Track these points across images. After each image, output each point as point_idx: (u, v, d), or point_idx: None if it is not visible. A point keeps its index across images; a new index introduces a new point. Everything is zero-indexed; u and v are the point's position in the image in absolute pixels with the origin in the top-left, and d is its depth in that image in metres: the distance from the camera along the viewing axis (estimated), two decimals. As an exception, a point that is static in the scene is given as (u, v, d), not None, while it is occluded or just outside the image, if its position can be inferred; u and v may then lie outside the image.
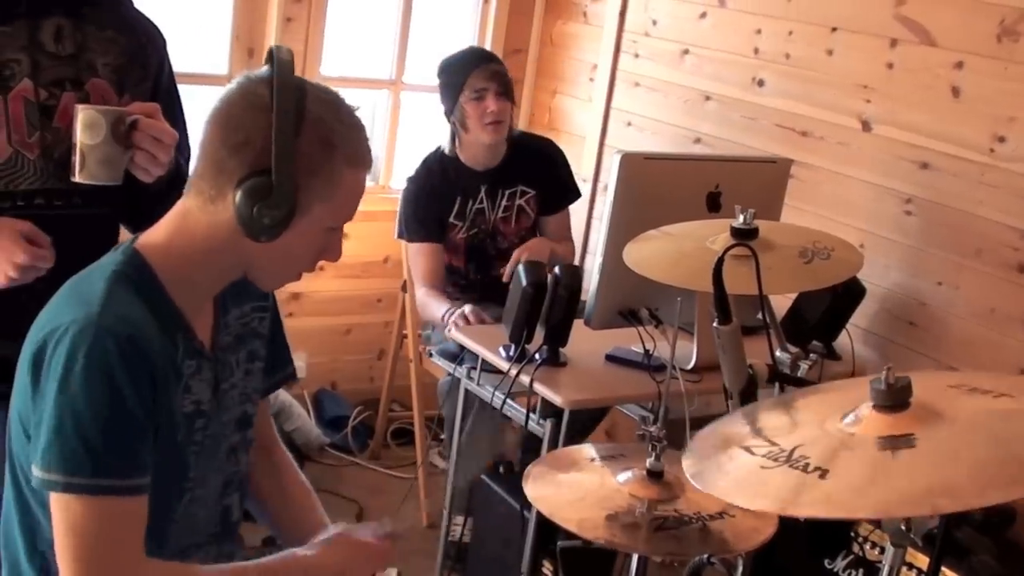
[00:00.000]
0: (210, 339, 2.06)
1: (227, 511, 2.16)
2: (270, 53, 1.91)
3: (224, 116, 1.91)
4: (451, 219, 4.34)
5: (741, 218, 2.47)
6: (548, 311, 3.36)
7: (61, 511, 1.82)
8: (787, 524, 2.09)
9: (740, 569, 2.39)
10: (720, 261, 2.21)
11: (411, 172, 4.45)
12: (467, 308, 3.98)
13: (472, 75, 4.25)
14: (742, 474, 1.66)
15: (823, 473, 1.55)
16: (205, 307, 2.05)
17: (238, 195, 1.88)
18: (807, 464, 1.57)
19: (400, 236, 4.43)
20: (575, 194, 4.56)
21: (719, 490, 1.65)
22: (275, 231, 1.90)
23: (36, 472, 1.83)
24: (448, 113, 4.34)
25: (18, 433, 1.93)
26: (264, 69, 1.92)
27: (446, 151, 4.39)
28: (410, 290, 4.50)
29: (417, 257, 4.36)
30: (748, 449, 1.69)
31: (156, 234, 1.99)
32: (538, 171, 4.45)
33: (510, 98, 4.30)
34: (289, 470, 2.37)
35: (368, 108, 5.10)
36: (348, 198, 1.98)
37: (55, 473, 1.80)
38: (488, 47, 5.25)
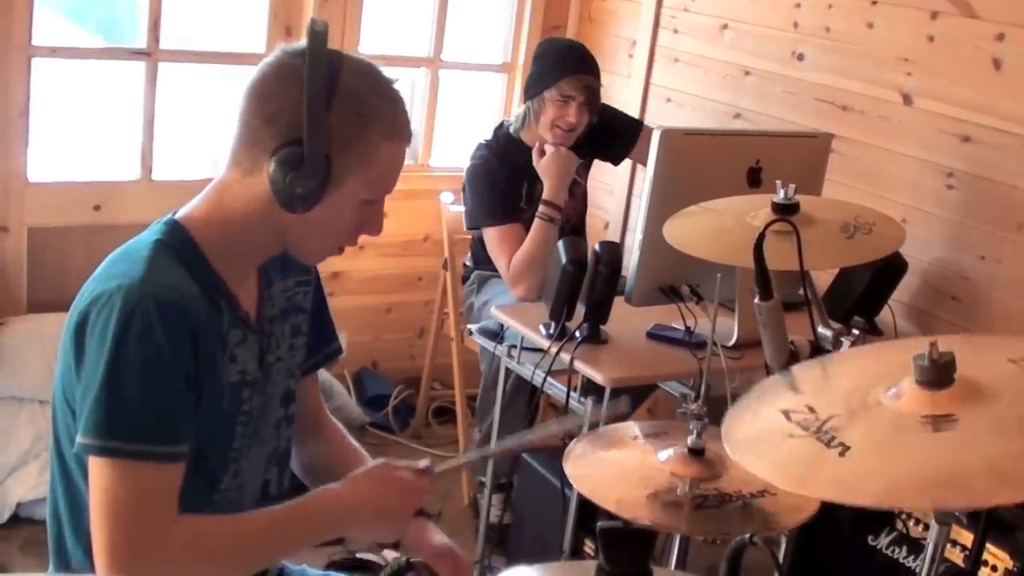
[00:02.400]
0: (255, 311, 2.06)
1: (266, 485, 2.16)
2: (308, 27, 1.90)
3: (259, 88, 1.92)
4: (521, 203, 4.30)
5: (782, 193, 2.44)
6: (588, 288, 3.34)
7: (96, 474, 1.82)
8: (830, 502, 2.06)
9: (783, 547, 2.37)
10: (761, 236, 2.18)
11: (473, 159, 4.35)
12: None
13: (566, 79, 4.16)
14: (767, 439, 1.64)
15: (844, 450, 1.52)
16: (248, 279, 2.05)
17: (271, 165, 1.88)
18: (832, 438, 1.54)
19: (474, 226, 4.35)
20: (637, 125, 4.54)
21: (737, 448, 1.63)
22: (308, 202, 1.90)
23: (78, 438, 1.83)
24: (528, 96, 4.27)
25: (63, 412, 1.94)
26: (301, 42, 1.91)
27: (511, 130, 4.33)
28: (509, 274, 4.23)
29: (502, 242, 4.23)
30: (786, 414, 1.66)
31: (196, 207, 1.99)
32: (598, 144, 4.40)
33: (592, 113, 4.26)
34: (341, 437, 2.37)
35: (407, 86, 5.07)
36: (385, 171, 1.97)
37: (92, 437, 1.81)
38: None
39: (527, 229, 4.20)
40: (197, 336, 1.87)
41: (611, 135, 4.38)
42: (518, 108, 4.37)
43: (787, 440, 1.57)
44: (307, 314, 2.22)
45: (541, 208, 4.16)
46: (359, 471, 2.08)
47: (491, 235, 4.26)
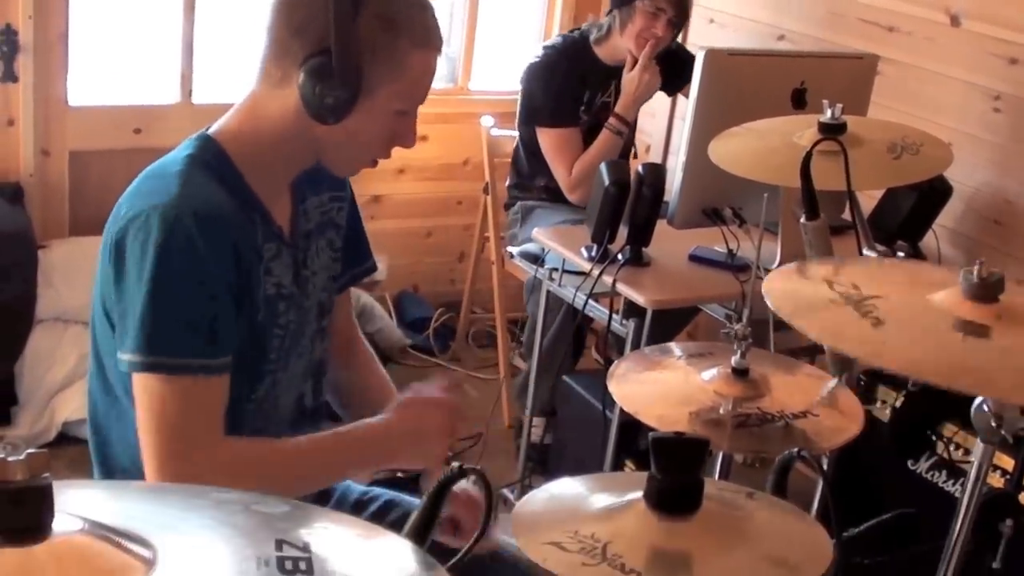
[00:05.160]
0: (289, 226, 2.07)
1: (301, 398, 2.18)
2: None
3: None
4: (581, 108, 4.30)
5: (829, 113, 2.43)
6: (631, 210, 3.34)
7: (142, 390, 1.84)
8: (871, 424, 2.07)
9: (825, 465, 2.38)
10: (809, 155, 2.17)
11: (536, 56, 4.35)
12: None
13: None
14: (806, 296, 1.69)
15: (876, 323, 1.54)
16: (282, 194, 2.06)
17: (301, 76, 1.88)
18: (868, 311, 1.56)
19: (529, 123, 4.35)
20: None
21: (774, 295, 1.66)
22: (339, 112, 1.90)
23: (121, 356, 1.85)
24: (617, 4, 4.24)
25: (102, 321, 1.96)
26: None
27: (591, 39, 4.31)
28: (569, 179, 4.29)
29: (560, 147, 4.28)
30: (830, 283, 1.68)
31: (228, 122, 2.00)
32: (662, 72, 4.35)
33: (677, 33, 4.25)
34: (370, 364, 2.38)
35: (445, 7, 5.06)
36: (416, 80, 1.97)
37: (136, 353, 1.83)
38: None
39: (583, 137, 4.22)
40: (237, 247, 1.89)
41: (676, 66, 4.35)
42: (603, 18, 4.35)
43: (826, 304, 1.60)
44: (341, 230, 2.22)
45: (612, 120, 4.18)
46: (389, 408, 2.10)
47: (548, 137, 4.29)
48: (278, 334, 2.03)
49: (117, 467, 2.04)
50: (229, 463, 1.88)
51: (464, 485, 2.22)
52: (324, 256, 2.17)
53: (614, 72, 4.27)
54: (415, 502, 2.26)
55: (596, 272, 3.33)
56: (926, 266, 1.89)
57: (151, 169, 1.97)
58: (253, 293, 1.95)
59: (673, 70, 4.31)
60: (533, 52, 4.41)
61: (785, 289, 1.71)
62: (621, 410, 2.99)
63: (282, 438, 1.99)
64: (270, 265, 1.99)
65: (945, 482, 3.18)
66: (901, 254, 2.42)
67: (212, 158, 1.95)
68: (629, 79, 4.18)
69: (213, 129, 2.00)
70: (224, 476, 1.86)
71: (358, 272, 2.33)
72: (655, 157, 5.12)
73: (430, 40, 1.96)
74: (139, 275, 1.82)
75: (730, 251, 3.35)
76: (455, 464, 1.36)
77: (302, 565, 0.96)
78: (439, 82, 4.52)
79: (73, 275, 4.11)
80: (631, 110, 4.21)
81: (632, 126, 4.35)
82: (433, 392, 2.12)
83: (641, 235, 3.38)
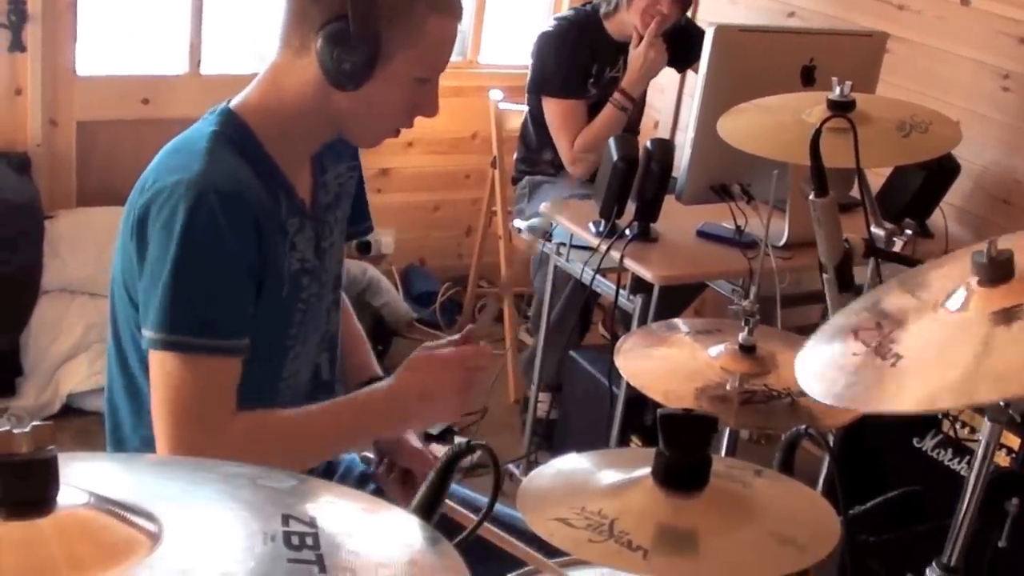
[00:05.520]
0: (310, 199, 2.06)
1: (318, 369, 2.17)
2: None
3: None
4: (589, 81, 4.30)
5: (838, 90, 2.41)
6: (639, 186, 3.33)
7: (157, 366, 1.84)
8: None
9: (832, 443, 2.38)
10: (818, 132, 2.16)
11: (547, 26, 4.36)
12: None
13: None
14: (836, 367, 1.63)
15: (896, 361, 1.51)
16: (303, 167, 2.05)
17: (319, 42, 1.87)
18: (888, 350, 1.53)
19: (538, 91, 4.34)
20: None
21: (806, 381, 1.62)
22: (357, 79, 1.89)
23: (144, 332, 1.85)
24: None
25: (122, 298, 1.95)
26: None
27: (601, 12, 4.31)
28: (571, 152, 4.29)
29: (565, 118, 4.28)
30: (855, 332, 1.65)
31: (250, 95, 1.99)
32: (671, 49, 4.34)
33: (684, 10, 4.24)
34: (350, 318, 2.40)
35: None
36: (435, 46, 1.96)
37: (158, 331, 1.82)
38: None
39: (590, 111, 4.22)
40: (260, 226, 1.87)
41: (685, 42, 4.33)
42: None
43: (853, 365, 1.57)
44: (351, 198, 2.23)
45: (616, 95, 4.18)
46: (400, 368, 2.10)
47: (553, 107, 4.29)
48: (300, 308, 2.03)
49: (129, 447, 2.04)
50: (240, 440, 1.87)
51: (409, 436, 2.23)
52: (340, 226, 2.17)
53: (623, 47, 4.27)
54: (420, 476, 2.25)
55: (604, 247, 3.32)
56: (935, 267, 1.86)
57: (175, 143, 1.96)
58: (279, 269, 1.95)
59: (682, 46, 4.29)
60: (545, 22, 4.42)
61: (814, 369, 1.66)
62: (628, 385, 3.00)
63: (288, 409, 1.98)
64: (294, 240, 1.99)
65: (951, 460, 3.18)
66: (909, 232, 2.40)
67: (235, 133, 1.94)
68: (635, 56, 4.18)
69: (235, 103, 1.99)
70: (235, 453, 1.85)
71: (352, 232, 2.32)
72: (664, 133, 5.10)
73: (448, 5, 1.95)
74: (163, 253, 1.82)
75: (738, 227, 3.35)
76: (461, 439, 1.36)
77: (308, 540, 0.96)
78: (448, 55, 4.51)
79: (80, 245, 4.10)
80: (636, 86, 4.21)
81: (638, 102, 4.34)
82: (444, 349, 2.09)
83: (649, 211, 3.38)
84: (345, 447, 2.19)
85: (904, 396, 1.45)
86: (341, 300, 2.32)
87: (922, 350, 1.51)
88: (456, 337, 2.11)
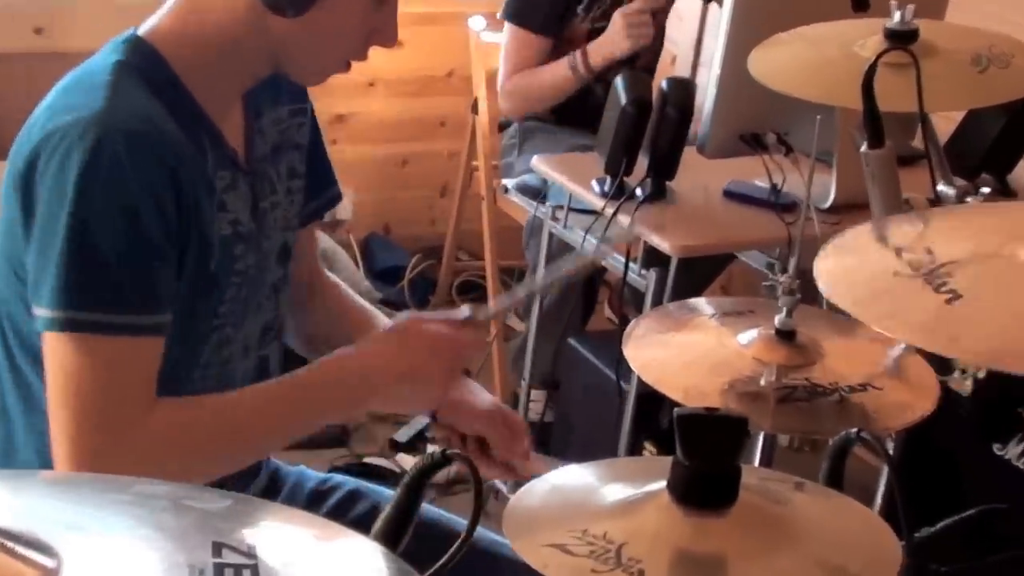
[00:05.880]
0: (243, 148, 2.04)
1: (264, 363, 2.16)
2: None
3: None
4: (579, 8, 4.31)
5: (898, 16, 2.41)
6: (653, 136, 3.33)
7: (57, 352, 1.82)
8: (948, 400, 2.07)
9: (892, 447, 2.37)
10: (872, 69, 2.16)
11: None
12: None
13: None
14: (867, 276, 1.64)
15: (953, 298, 1.51)
16: (233, 110, 2.04)
17: None
18: (943, 283, 1.54)
19: (505, 16, 4.39)
20: None
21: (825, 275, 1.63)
22: (302, 2, 1.88)
23: (36, 311, 1.83)
24: None
25: (7, 281, 1.92)
26: None
27: None
28: (505, 85, 4.36)
29: (518, 49, 4.33)
30: (899, 251, 1.66)
31: (164, 19, 1.96)
32: None
33: None
34: (345, 299, 2.38)
35: None
36: None
37: (53, 308, 1.80)
38: None
39: (576, 34, 4.30)
40: (178, 177, 1.85)
41: None
42: None
43: (889, 281, 1.57)
44: (303, 151, 2.20)
45: (577, 55, 4.19)
46: (381, 328, 2.08)
47: (511, 35, 4.35)
48: (234, 282, 2.01)
49: (20, 460, 2.02)
50: (161, 439, 1.85)
51: (469, 392, 2.21)
52: (285, 184, 2.15)
53: None
54: (386, 493, 2.25)
55: (610, 211, 3.32)
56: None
57: (70, 79, 1.94)
58: (204, 234, 1.92)
59: None
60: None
61: (838, 269, 1.68)
62: (639, 380, 3.00)
63: (225, 394, 1.98)
64: (224, 198, 1.97)
65: (1042, 471, 3.19)
66: (986, 190, 2.40)
67: (145, 63, 1.91)
68: (618, 18, 4.19)
69: (144, 29, 1.96)
70: (155, 456, 1.84)
71: (323, 201, 2.32)
72: (683, 71, 5.09)
73: None
74: (56, 210, 1.79)
75: (774, 186, 3.35)
76: (435, 448, 1.35)
77: (246, 574, 0.95)
78: (418, -26, 4.52)
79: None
80: (603, 57, 4.21)
81: (659, 34, 4.35)
82: (438, 324, 2.07)
83: (665, 166, 3.38)
84: (298, 431, 2.13)
85: (965, 343, 1.46)
86: (323, 279, 2.34)
87: (987, 294, 1.52)
88: (456, 314, 2.10)
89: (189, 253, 1.90)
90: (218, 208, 1.95)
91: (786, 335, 2.12)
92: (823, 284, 1.62)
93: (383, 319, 2.32)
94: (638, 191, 3.37)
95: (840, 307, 1.56)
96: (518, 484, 1.57)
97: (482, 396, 2.23)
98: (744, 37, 2.96)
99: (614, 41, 4.18)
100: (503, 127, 4.54)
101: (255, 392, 1.99)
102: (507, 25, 4.35)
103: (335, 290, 2.38)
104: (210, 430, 1.92)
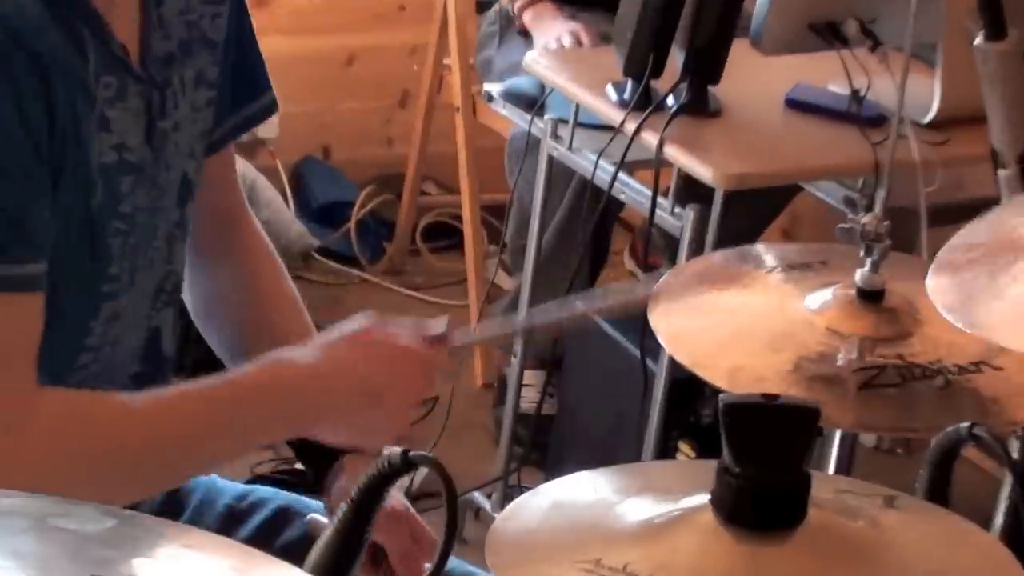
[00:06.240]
0: (137, 46, 2.04)
1: (155, 337, 2.16)
2: None
3: None
4: None
5: None
6: (691, 24, 3.33)
7: None
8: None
9: (1017, 449, 2.35)
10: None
11: None
12: (571, 27, 4.03)
13: None
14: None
15: None
16: None
17: None
18: None
19: None
20: None
21: (989, 327, 1.63)
22: None
23: None
24: None
25: None
26: None
27: None
28: None
29: None
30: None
31: None
32: None
33: None
34: (266, 262, 2.39)
35: None
36: None
37: None
38: None
39: None
40: (49, 80, 1.85)
41: None
42: None
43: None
44: (217, 51, 2.18)
45: None
46: (331, 333, 2.09)
47: None
48: (121, 229, 2.00)
49: None
50: (46, 433, 1.86)
51: (401, 499, 2.23)
52: (191, 97, 2.14)
53: None
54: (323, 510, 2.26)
55: (631, 127, 3.32)
56: None
57: None
58: (81, 160, 1.92)
59: None
60: None
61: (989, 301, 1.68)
62: (671, 359, 3.00)
63: (132, 395, 1.98)
64: (108, 114, 1.96)
65: None
66: None
67: None
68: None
69: None
70: (45, 451, 1.85)
71: (249, 114, 2.32)
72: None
73: None
74: None
75: (855, 92, 3.35)
76: (394, 449, 1.35)
77: (134, 619, 0.96)
78: None
79: None
80: None
81: None
82: (406, 335, 2.09)
83: (706, 65, 3.38)
84: (222, 453, 2.14)
85: None
86: (247, 223, 2.35)
87: None
88: (430, 326, 2.12)
89: (60, 185, 1.89)
90: (99, 127, 1.95)
91: (872, 296, 2.12)
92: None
93: (309, 323, 2.34)
94: (670, 99, 3.37)
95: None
96: (506, 496, 1.58)
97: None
98: None
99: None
100: (481, 10, 4.53)
101: (175, 394, 1.99)
102: None
103: (256, 240, 2.38)
104: (118, 433, 1.93)
